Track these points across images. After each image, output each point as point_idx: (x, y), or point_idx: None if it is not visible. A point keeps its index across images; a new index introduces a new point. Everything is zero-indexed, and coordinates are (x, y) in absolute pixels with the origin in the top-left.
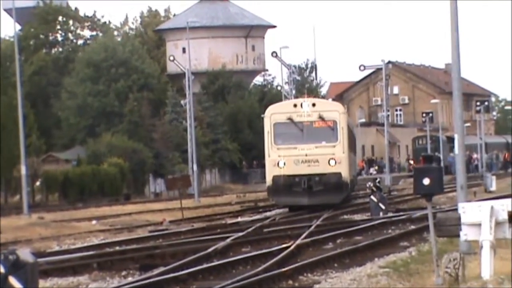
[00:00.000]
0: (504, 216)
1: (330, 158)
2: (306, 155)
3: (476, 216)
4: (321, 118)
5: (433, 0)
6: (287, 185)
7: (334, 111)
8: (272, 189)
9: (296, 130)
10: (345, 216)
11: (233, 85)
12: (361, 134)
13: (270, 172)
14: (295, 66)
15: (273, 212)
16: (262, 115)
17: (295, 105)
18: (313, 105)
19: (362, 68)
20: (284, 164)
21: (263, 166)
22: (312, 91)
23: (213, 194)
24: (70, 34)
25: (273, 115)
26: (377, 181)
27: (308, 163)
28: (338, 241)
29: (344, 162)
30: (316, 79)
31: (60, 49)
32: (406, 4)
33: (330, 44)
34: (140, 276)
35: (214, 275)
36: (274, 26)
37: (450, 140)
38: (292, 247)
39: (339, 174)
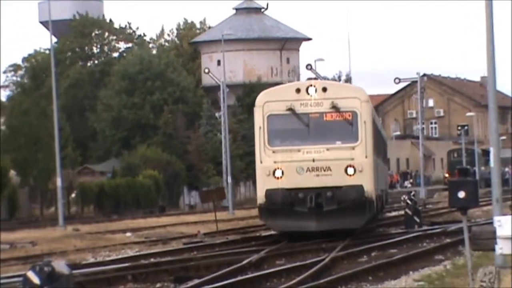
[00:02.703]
0: None
1: (348, 165)
2: (313, 160)
3: None
4: (334, 108)
5: (468, 12)
6: (286, 203)
7: (353, 98)
8: (265, 209)
9: (300, 125)
10: (380, 229)
11: None
12: (396, 147)
13: (263, 185)
14: (329, 79)
15: None
16: None
17: (298, 90)
18: (324, 89)
19: (397, 81)
20: (283, 173)
21: None
22: None
23: (248, 207)
24: (105, 47)
25: (268, 104)
26: (411, 194)
27: (317, 172)
28: (373, 254)
29: (368, 171)
30: None
31: (96, 62)
32: (441, 16)
33: (365, 56)
34: None
35: (248, 287)
36: (309, 39)
37: (486, 153)
38: (326, 260)
39: (360, 187)
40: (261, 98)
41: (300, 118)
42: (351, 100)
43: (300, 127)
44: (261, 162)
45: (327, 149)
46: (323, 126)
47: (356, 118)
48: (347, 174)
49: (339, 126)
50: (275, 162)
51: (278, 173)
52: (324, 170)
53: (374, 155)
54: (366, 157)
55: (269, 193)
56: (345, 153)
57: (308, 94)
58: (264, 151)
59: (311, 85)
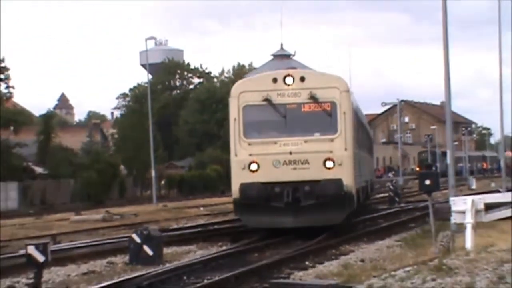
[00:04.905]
0: (481, 206)
1: (326, 158)
2: (290, 153)
3: (462, 206)
4: (313, 98)
5: (432, 55)
6: (262, 197)
7: (332, 88)
8: (240, 204)
9: (277, 116)
10: (371, 206)
11: None
12: (382, 149)
13: (238, 179)
14: None
15: None
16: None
17: (275, 80)
18: (302, 79)
19: (383, 104)
20: (258, 167)
21: None
22: None
23: None
24: (184, 81)
25: (243, 94)
26: (393, 181)
27: (294, 166)
28: (367, 223)
29: (347, 164)
30: None
31: (178, 91)
32: (415, 58)
33: (362, 86)
34: (231, 246)
35: (282, 245)
36: None
37: (444, 154)
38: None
39: (339, 181)
40: (237, 88)
41: (276, 109)
42: (330, 90)
43: (277, 119)
44: (236, 155)
45: (305, 142)
46: (300, 118)
47: (335, 108)
48: (326, 167)
49: (318, 117)
50: (250, 155)
51: (253, 167)
52: (302, 163)
53: (355, 147)
54: (345, 149)
55: (244, 188)
56: (323, 146)
57: (286, 83)
58: (239, 144)
59: (288, 75)
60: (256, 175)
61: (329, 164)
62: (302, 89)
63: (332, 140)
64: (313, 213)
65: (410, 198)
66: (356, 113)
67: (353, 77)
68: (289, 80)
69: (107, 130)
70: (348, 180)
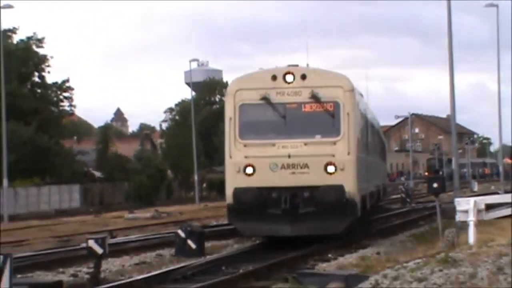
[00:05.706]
0: (482, 206)
1: (328, 163)
2: (289, 156)
3: (465, 206)
4: (314, 98)
5: (440, 77)
6: (257, 203)
7: (335, 87)
8: (233, 210)
9: (275, 116)
10: (386, 206)
11: None
12: (395, 156)
13: (232, 183)
14: None
15: None
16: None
17: (274, 77)
18: (303, 77)
19: (396, 117)
20: (254, 170)
21: None
22: None
23: None
24: (223, 97)
25: (240, 92)
26: (405, 184)
27: (293, 170)
28: (382, 221)
29: (350, 169)
30: None
31: (217, 106)
32: (424, 79)
33: (378, 101)
34: (263, 240)
35: (307, 240)
36: None
37: (450, 160)
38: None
39: (341, 187)
40: (233, 85)
41: (275, 109)
42: (333, 89)
43: (275, 119)
44: (230, 157)
45: (305, 144)
46: (301, 118)
47: (338, 109)
48: (327, 172)
49: (319, 118)
50: (246, 157)
51: (249, 170)
52: (301, 168)
53: (360, 151)
54: (348, 153)
55: (238, 192)
56: (325, 149)
57: (286, 81)
58: (234, 145)
59: (288, 72)
60: (252, 179)
61: (330, 168)
62: (303, 88)
63: (334, 143)
64: (312, 221)
65: (420, 199)
66: (364, 115)
67: (370, 94)
68: (289, 77)
69: (156, 139)
70: (350, 186)
